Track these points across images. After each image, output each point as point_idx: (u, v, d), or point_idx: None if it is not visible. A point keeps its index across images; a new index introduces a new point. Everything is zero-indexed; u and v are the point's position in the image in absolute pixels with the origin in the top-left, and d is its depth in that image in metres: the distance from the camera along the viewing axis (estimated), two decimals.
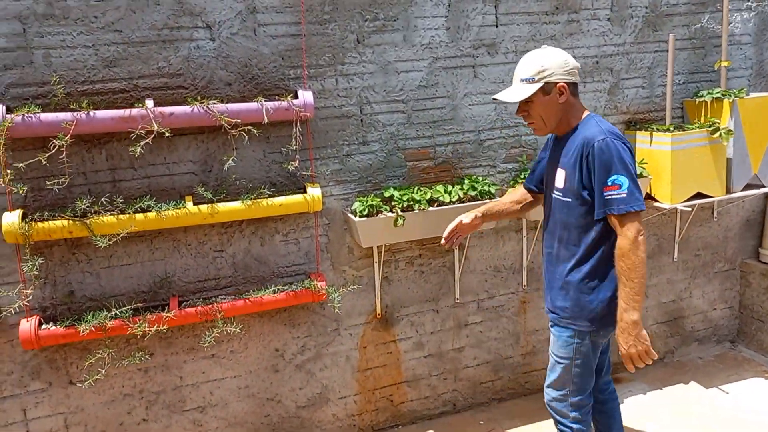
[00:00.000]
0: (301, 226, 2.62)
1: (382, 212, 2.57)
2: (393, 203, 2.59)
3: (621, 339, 1.85)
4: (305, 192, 2.48)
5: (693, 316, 3.55)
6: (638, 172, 2.88)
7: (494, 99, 2.06)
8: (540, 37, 2.87)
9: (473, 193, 2.66)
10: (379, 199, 2.60)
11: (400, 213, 2.54)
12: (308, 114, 2.40)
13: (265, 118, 2.30)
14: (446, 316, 2.97)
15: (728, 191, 3.01)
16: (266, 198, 2.39)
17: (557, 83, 1.92)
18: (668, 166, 2.83)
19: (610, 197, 1.82)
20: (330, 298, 2.58)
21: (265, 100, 2.35)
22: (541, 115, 1.97)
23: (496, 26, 2.79)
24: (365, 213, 2.52)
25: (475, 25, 2.75)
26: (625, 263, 1.80)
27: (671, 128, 2.92)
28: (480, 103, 2.83)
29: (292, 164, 2.43)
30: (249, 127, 2.32)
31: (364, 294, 2.79)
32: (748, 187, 3.07)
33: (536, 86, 1.92)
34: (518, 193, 2.36)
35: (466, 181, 2.78)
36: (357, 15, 2.56)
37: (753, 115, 2.96)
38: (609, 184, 1.81)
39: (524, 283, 3.09)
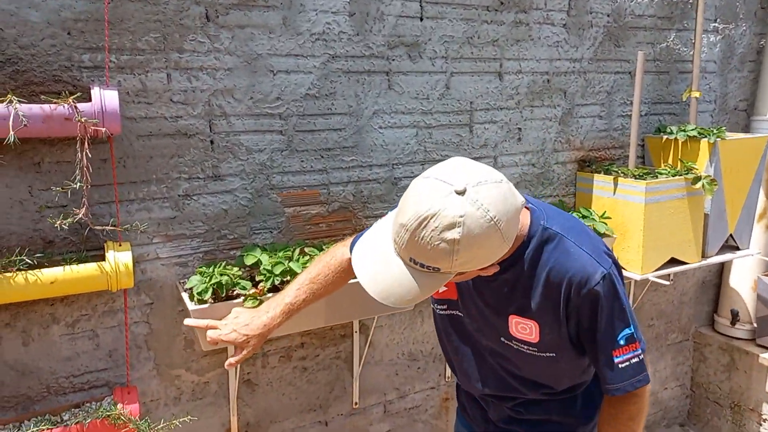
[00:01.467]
0: (100, 310, 1.60)
1: (237, 291, 1.62)
2: (259, 277, 1.66)
3: None
4: (104, 258, 1.48)
5: None
6: (601, 232, 2.16)
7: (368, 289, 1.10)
8: (479, 41, 2.08)
9: None
10: (235, 270, 1.65)
11: (268, 294, 1.61)
12: (109, 128, 1.42)
13: (12, 133, 1.28)
14: (339, 430, 2.06)
15: (704, 255, 2.37)
16: (24, 271, 1.37)
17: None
18: (640, 224, 2.13)
19: (625, 366, 1.20)
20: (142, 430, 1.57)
21: (22, 102, 1.34)
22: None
23: (421, 19, 1.95)
24: (208, 295, 1.56)
25: (392, 14, 1.89)
26: (634, 427, 1.32)
27: (642, 173, 2.23)
28: (396, 126, 1.98)
29: (75, 212, 1.42)
30: None
31: (211, 409, 1.81)
32: (723, 249, 2.46)
33: (443, 278, 1.07)
34: (341, 258, 1.43)
35: None
36: None
37: (733, 162, 2.35)
38: (622, 344, 1.19)
39: (447, 373, 2.26)
